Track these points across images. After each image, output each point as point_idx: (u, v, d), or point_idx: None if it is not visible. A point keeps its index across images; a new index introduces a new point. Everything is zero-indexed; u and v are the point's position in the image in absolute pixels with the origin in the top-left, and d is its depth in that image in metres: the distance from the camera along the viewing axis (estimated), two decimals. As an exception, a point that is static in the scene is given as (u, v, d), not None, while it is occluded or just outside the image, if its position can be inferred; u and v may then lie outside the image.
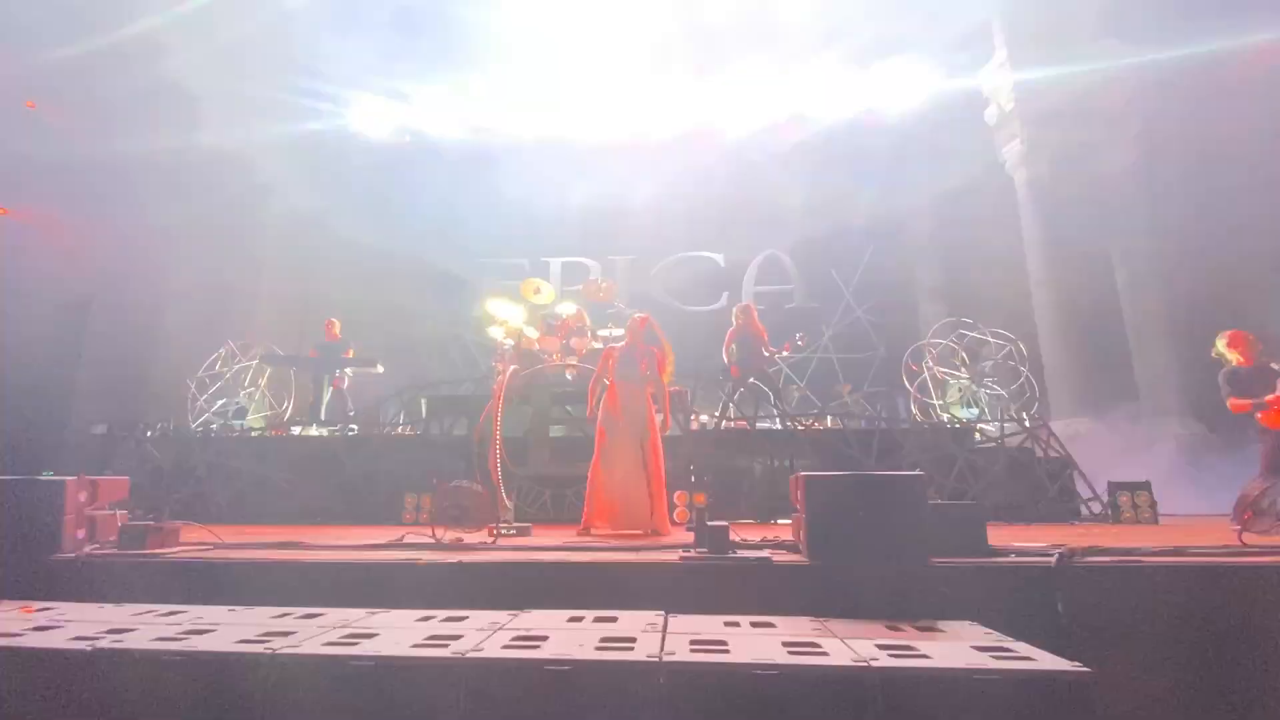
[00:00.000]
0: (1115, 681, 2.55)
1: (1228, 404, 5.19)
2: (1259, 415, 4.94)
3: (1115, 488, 5.52)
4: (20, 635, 2.18)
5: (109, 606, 2.63)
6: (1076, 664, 1.82)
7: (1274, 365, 5.04)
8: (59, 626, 2.30)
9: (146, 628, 2.28)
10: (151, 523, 3.25)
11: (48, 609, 2.60)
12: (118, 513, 3.46)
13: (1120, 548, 2.99)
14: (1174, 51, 8.64)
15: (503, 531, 4.03)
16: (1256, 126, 8.18)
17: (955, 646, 2.08)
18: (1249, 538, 3.08)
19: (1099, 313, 9.44)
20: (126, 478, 3.69)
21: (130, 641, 2.11)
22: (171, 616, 2.45)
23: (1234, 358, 5.17)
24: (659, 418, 4.74)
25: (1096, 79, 9.24)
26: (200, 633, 2.20)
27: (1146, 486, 5.46)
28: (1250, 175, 8.14)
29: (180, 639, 2.12)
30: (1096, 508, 5.71)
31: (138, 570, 2.98)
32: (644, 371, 4.80)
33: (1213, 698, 2.58)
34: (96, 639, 2.12)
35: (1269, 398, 4.86)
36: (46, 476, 3.44)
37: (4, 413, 5.57)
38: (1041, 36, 9.64)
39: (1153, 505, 5.40)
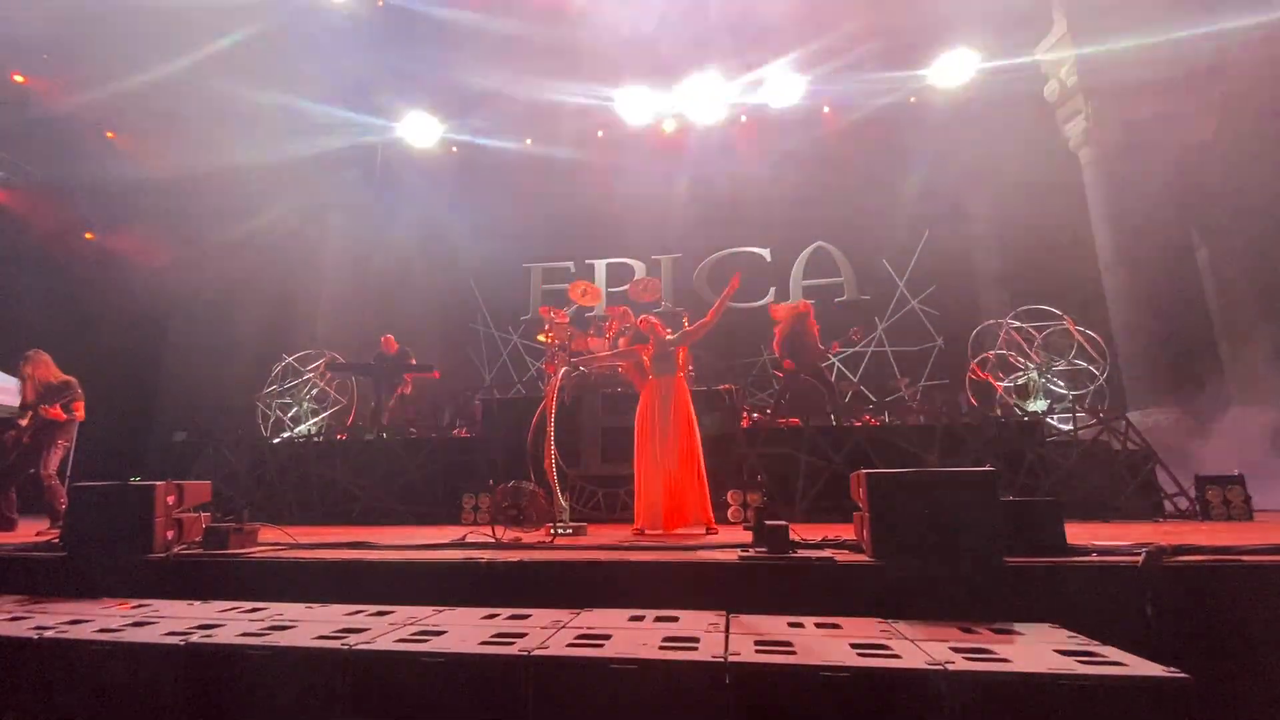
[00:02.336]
0: (1211, 689, 2.38)
1: None
2: None
3: (1203, 482, 5.14)
4: (120, 631, 2.34)
5: (197, 604, 2.79)
6: (1173, 670, 1.71)
7: None
8: (153, 622, 2.45)
9: (233, 623, 2.41)
10: (233, 524, 3.43)
11: (142, 605, 2.78)
12: (202, 515, 3.66)
13: (1214, 546, 2.79)
14: (1256, 16, 8.02)
15: (559, 531, 4.08)
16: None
17: (1036, 650, 1.98)
18: (1362, 535, 2.82)
19: (1179, 295, 8.84)
20: (209, 482, 3.90)
21: (219, 637, 2.23)
22: (254, 613, 2.57)
23: None
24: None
25: (1168, 47, 8.65)
26: (281, 629, 2.31)
27: (1239, 480, 5.07)
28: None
29: (264, 634, 2.23)
30: (1183, 504, 5.35)
31: (222, 569, 3.15)
32: (679, 363, 4.77)
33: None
34: (188, 634, 2.25)
35: None
36: (136, 482, 3.68)
37: (94, 423, 6.02)
38: (1105, 5, 9.09)
39: (1246, 500, 5.01)
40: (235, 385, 9.82)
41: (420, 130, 11.75)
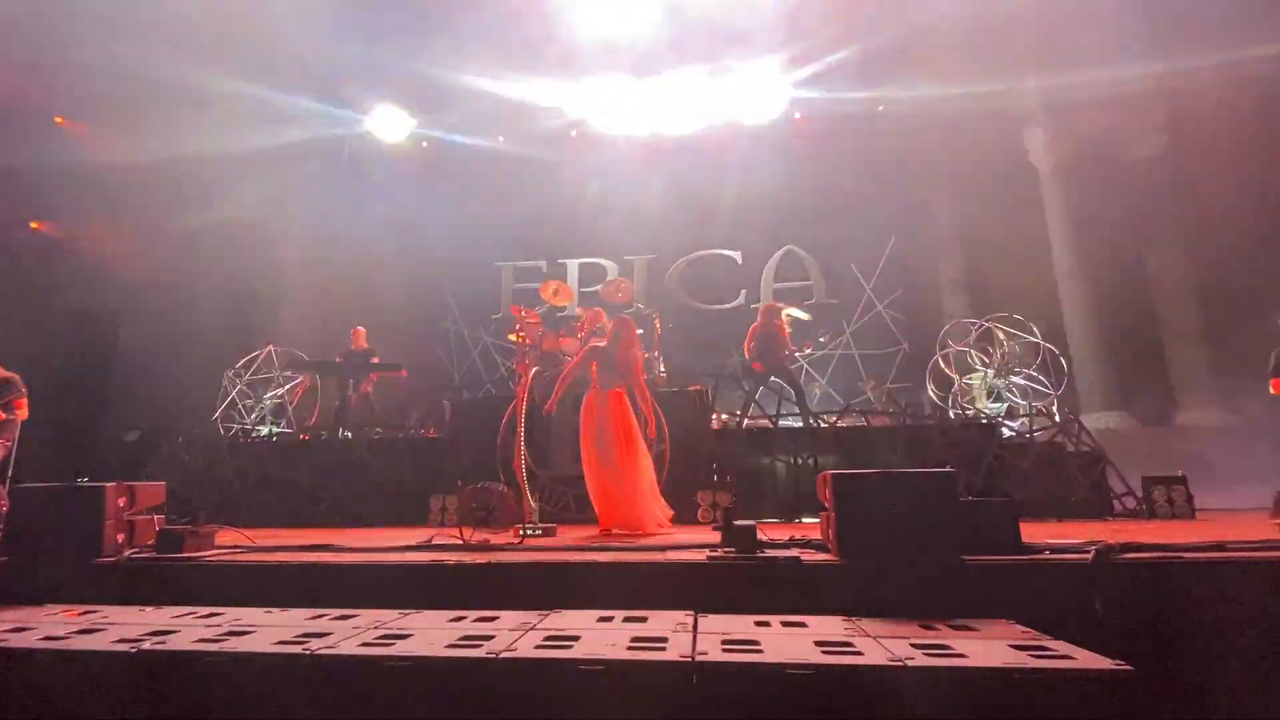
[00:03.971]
0: (1155, 681, 2.49)
1: (1273, 384, 5.03)
2: None
3: (1149, 482, 5.39)
4: (66, 639, 2.25)
5: (149, 609, 2.70)
6: (1118, 662, 1.79)
7: None
8: (102, 629, 2.37)
9: (187, 629, 2.34)
10: (188, 527, 3.32)
11: (91, 612, 2.67)
12: (155, 517, 3.54)
13: (1158, 544, 2.93)
14: (1201, 38, 8.41)
15: (528, 532, 4.05)
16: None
17: (992, 645, 2.05)
18: (1293, 532, 2.99)
19: (1129, 303, 9.23)
20: (163, 483, 3.77)
21: (172, 644, 2.16)
22: (211, 619, 2.50)
23: None
24: (639, 420, 4.81)
25: (1122, 66, 9.03)
26: (239, 634, 2.24)
27: (1182, 480, 5.32)
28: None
29: (220, 640, 2.17)
30: (1131, 503, 5.59)
31: (177, 573, 3.05)
32: (623, 373, 4.87)
33: (1256, 696, 2.51)
34: (139, 641, 2.17)
35: None
36: (84, 483, 3.53)
37: (39, 421, 5.74)
38: (1064, 24, 9.42)
39: (1189, 500, 5.26)
40: (191, 385, 9.50)
41: (390, 124, 11.54)
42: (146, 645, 2.14)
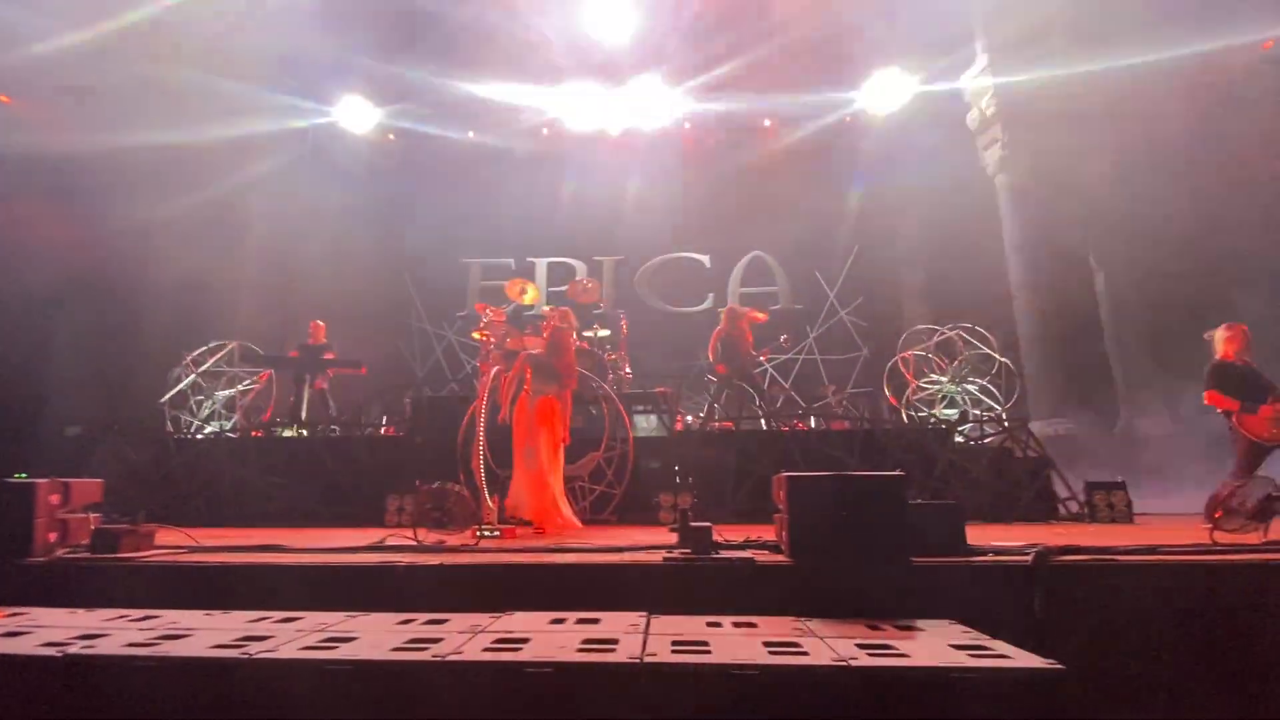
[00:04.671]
0: (1090, 678, 2.59)
1: (1206, 395, 5.27)
2: (1241, 417, 5.04)
3: (1092, 487, 5.61)
4: (-13, 642, 2.13)
5: (81, 612, 2.58)
6: (1050, 661, 1.85)
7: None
8: (28, 632, 2.25)
9: (119, 633, 2.24)
10: (125, 525, 3.19)
11: (17, 614, 2.54)
12: (91, 515, 3.39)
13: (1095, 546, 3.04)
14: (1151, 56, 8.80)
15: (486, 533, 4.01)
16: (1231, 130, 8.37)
17: (934, 645, 2.10)
18: (1220, 536, 3.14)
19: (1078, 315, 9.59)
20: (100, 480, 3.62)
21: (102, 647, 2.07)
22: (145, 621, 2.40)
23: (1228, 350, 5.25)
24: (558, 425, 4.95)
25: (1075, 84, 9.39)
26: (174, 638, 2.16)
27: (1122, 486, 5.55)
28: (1225, 179, 8.32)
29: (153, 644, 2.08)
30: (1074, 507, 5.80)
31: (111, 574, 2.93)
32: (559, 381, 4.98)
33: (1185, 692, 2.63)
34: (66, 645, 2.08)
35: (1264, 407, 4.95)
36: (18, 479, 3.37)
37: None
38: (1021, 42, 9.77)
39: (1128, 504, 5.49)
40: (140, 379, 9.13)
41: (356, 116, 11.30)
42: (75, 649, 2.04)
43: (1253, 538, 3.13)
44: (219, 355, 8.79)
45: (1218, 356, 5.31)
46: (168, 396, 8.41)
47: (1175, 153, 8.70)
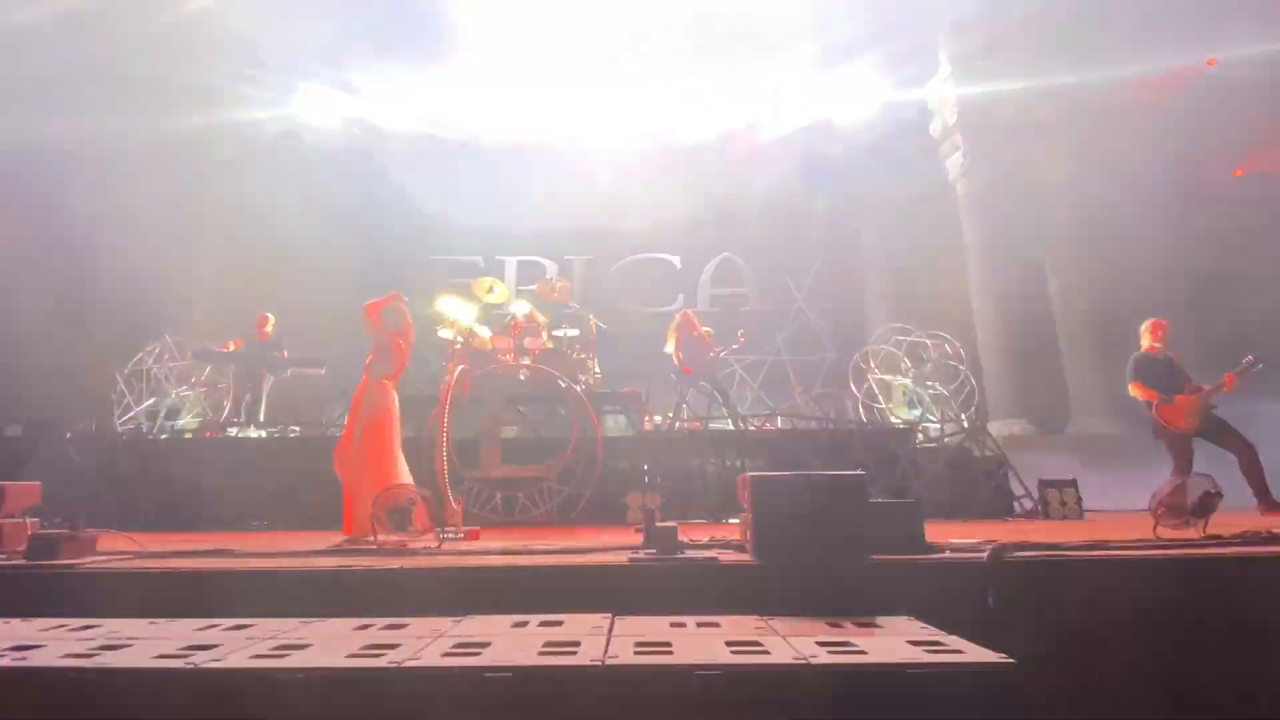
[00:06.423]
0: (1041, 671, 2.67)
1: (1130, 388, 5.53)
2: (1160, 408, 5.28)
3: (1045, 485, 5.81)
4: (-91, 655, 2.01)
5: (15, 621, 2.45)
6: (1001, 655, 1.90)
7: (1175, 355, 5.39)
8: (-46, 645, 2.13)
9: (56, 644, 2.13)
10: (65, 531, 3.04)
11: (-57, 626, 2.40)
12: (28, 520, 3.23)
13: (1046, 543, 3.14)
14: (1106, 70, 9.16)
15: (448, 536, 3.94)
16: (1182, 143, 8.74)
17: (892, 642, 2.14)
18: (1162, 532, 3.28)
19: (1033, 320, 9.92)
20: (38, 483, 3.45)
21: (36, 659, 1.97)
22: (85, 631, 2.29)
23: (1149, 344, 5.52)
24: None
25: (1033, 95, 9.71)
26: (115, 648, 2.06)
27: (1073, 484, 5.76)
28: (1176, 189, 8.69)
29: (92, 655, 1.99)
30: (1029, 504, 6.00)
31: (48, 582, 2.78)
32: (393, 362, 4.52)
33: (1130, 684, 2.73)
34: (-3, 657, 1.97)
35: (1180, 397, 5.20)
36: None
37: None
38: (982, 52, 10.05)
39: (1079, 501, 5.70)
40: (87, 376, 8.74)
41: (319, 107, 11.02)
42: (5, 661, 1.93)
43: (1193, 533, 3.28)
44: (171, 352, 8.46)
45: (1140, 350, 5.59)
46: (116, 393, 8.06)
47: (1128, 163, 9.05)
